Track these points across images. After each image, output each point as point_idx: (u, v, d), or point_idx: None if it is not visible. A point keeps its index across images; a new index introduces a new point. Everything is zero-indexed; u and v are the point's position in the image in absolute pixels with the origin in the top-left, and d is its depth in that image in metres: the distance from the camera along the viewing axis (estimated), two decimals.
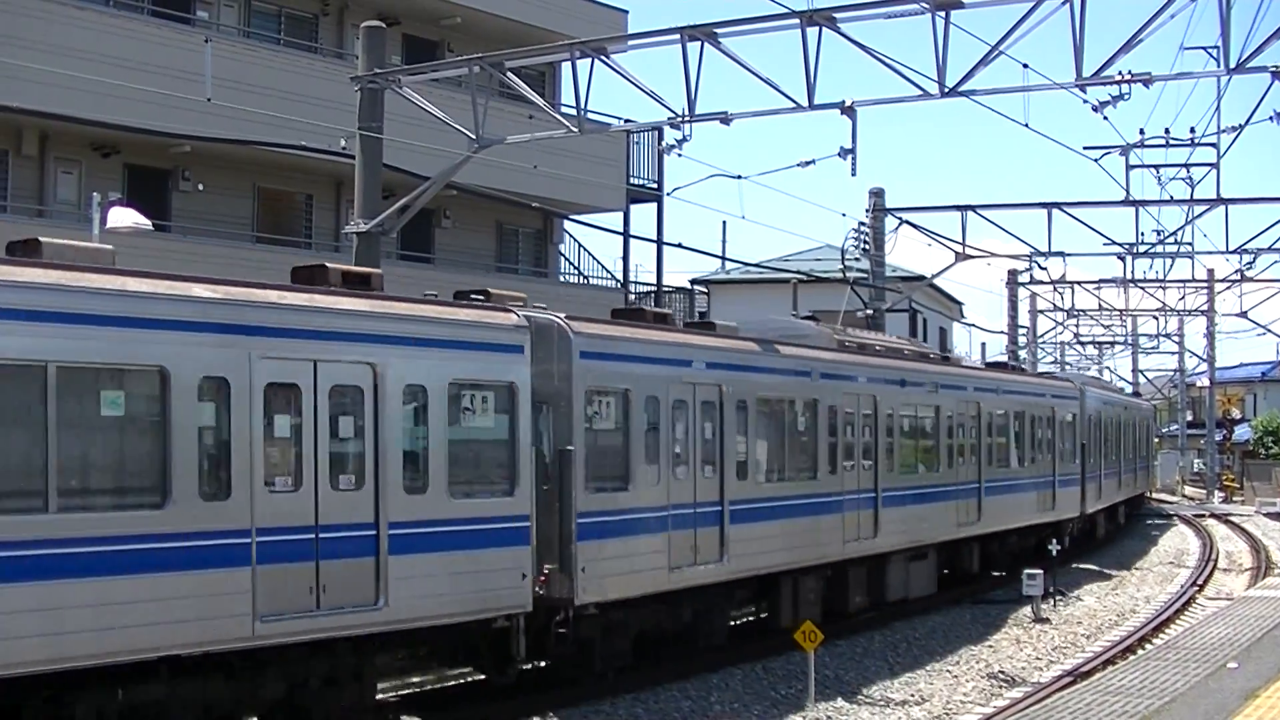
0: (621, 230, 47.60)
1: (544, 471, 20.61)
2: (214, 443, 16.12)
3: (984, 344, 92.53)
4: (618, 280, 49.70)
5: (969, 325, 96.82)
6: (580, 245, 51.00)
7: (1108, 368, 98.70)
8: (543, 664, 21.82)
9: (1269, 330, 77.04)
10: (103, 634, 14.77)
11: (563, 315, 21.45)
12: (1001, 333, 74.57)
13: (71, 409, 14.83)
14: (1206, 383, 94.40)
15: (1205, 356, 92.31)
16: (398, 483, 17.99)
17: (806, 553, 27.18)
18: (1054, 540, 37.80)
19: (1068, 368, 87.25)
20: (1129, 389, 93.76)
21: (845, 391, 28.81)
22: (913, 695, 24.11)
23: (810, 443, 27.68)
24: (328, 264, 19.10)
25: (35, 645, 14.26)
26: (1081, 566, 43.72)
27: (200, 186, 37.22)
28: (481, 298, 20.84)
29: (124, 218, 26.14)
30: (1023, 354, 74.59)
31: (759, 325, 29.27)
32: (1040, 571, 33.43)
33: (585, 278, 50.05)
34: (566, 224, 48.50)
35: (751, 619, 29.29)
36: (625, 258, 49.61)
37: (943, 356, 41.10)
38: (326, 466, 17.17)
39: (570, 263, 50.22)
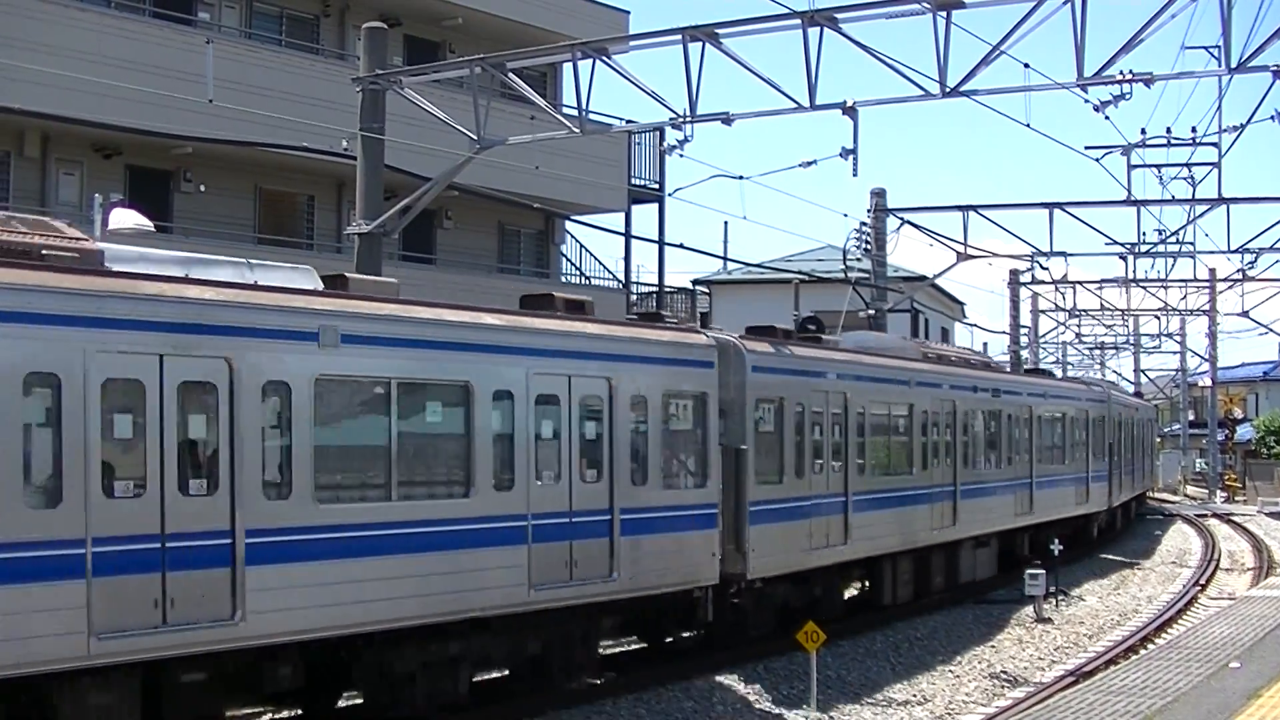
0: (623, 231, 47.66)
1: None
2: (501, 442, 19.46)
3: (985, 344, 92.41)
4: (619, 281, 49.72)
5: (971, 325, 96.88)
6: (582, 246, 51.03)
7: (1110, 368, 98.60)
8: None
9: (1271, 330, 77.01)
10: (426, 599, 18.13)
11: (736, 335, 25.54)
12: (1003, 333, 74.57)
13: (409, 418, 18.17)
14: (1208, 382, 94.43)
15: (1207, 356, 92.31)
16: (625, 476, 21.59)
17: (904, 539, 31.18)
18: (1055, 540, 37.79)
19: (1069, 368, 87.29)
20: (1130, 389, 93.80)
21: (933, 397, 32.76)
22: (915, 695, 24.11)
23: (907, 442, 31.59)
24: (554, 293, 22.66)
25: (381, 607, 17.33)
26: (1107, 557, 44.03)
27: (202, 188, 37.24)
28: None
29: (125, 219, 26.12)
30: (1024, 354, 74.57)
31: (856, 340, 33.70)
32: (1043, 571, 33.43)
33: (587, 278, 50.06)
34: (568, 224, 48.52)
35: (857, 594, 32.20)
36: (627, 258, 49.71)
37: (989, 364, 44.97)
38: (579, 461, 20.77)
39: (572, 263, 50.25)
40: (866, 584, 31.58)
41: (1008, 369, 49.70)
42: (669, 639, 25.65)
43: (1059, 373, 68.13)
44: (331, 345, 17.16)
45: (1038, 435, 40.07)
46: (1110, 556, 47.33)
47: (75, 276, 14.98)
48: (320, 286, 18.44)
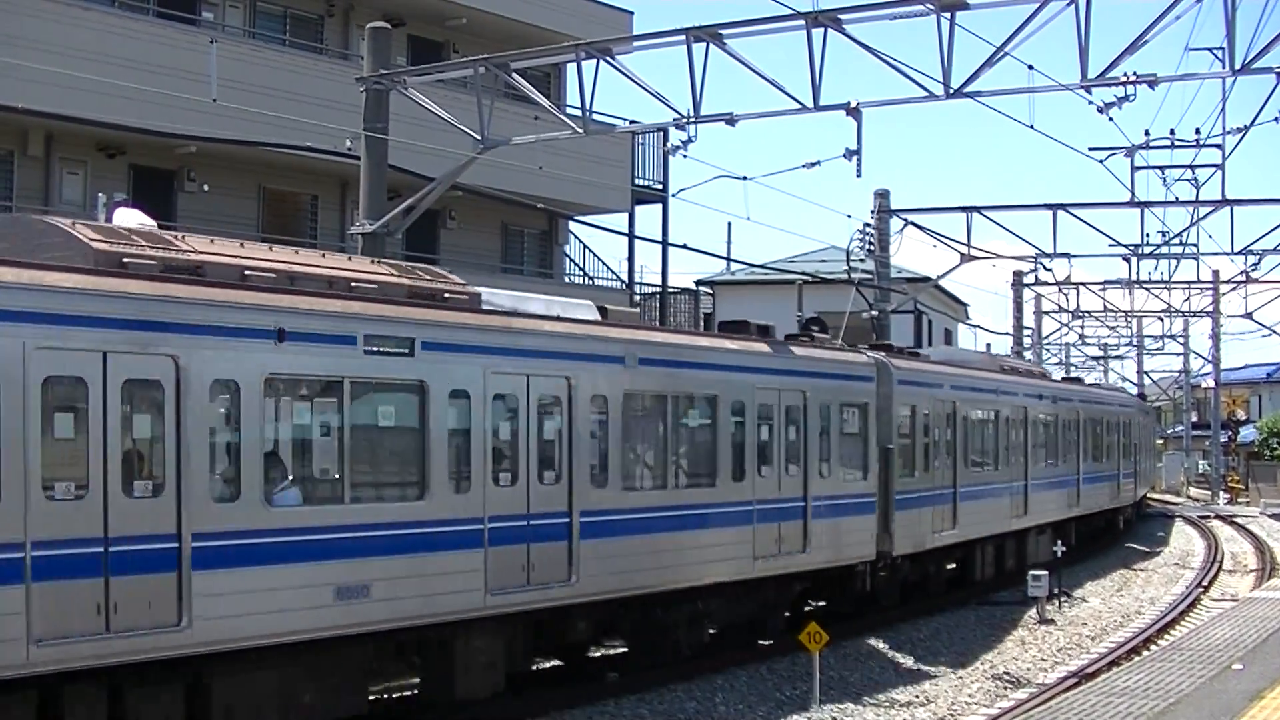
0: (627, 231, 47.63)
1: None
2: (736, 447, 24.60)
3: (989, 345, 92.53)
4: (623, 281, 49.70)
5: (974, 326, 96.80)
6: (585, 246, 50.99)
7: (1113, 370, 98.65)
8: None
9: (1274, 331, 77.09)
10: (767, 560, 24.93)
11: (884, 354, 31.17)
12: (1006, 334, 74.63)
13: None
14: (1211, 384, 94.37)
15: (1210, 358, 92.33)
16: (815, 469, 26.52)
17: (993, 526, 36.50)
18: (1059, 541, 37.82)
19: (1072, 369, 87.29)
20: (1134, 390, 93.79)
21: (1011, 404, 37.96)
22: (917, 696, 24.11)
23: (993, 441, 36.72)
24: (749, 320, 27.32)
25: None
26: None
27: (205, 187, 37.21)
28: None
29: (129, 218, 26.09)
30: (1027, 355, 74.58)
31: (943, 354, 40.29)
32: (1045, 573, 33.44)
33: (590, 279, 50.04)
34: (571, 225, 48.51)
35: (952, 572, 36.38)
36: (630, 259, 49.82)
37: (1044, 374, 50.68)
38: (783, 458, 25.79)
39: (575, 264, 50.23)
40: (955, 565, 36.44)
41: (1053, 377, 54.55)
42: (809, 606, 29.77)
43: (1056, 374, 68.06)
44: (632, 366, 22.17)
45: (1085, 438, 46.30)
46: (1135, 545, 50.03)
47: (471, 314, 19.48)
48: (597, 317, 22.76)
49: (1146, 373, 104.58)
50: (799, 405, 26.20)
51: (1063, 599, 35.61)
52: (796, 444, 26.10)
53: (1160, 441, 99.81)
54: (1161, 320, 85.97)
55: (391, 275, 19.23)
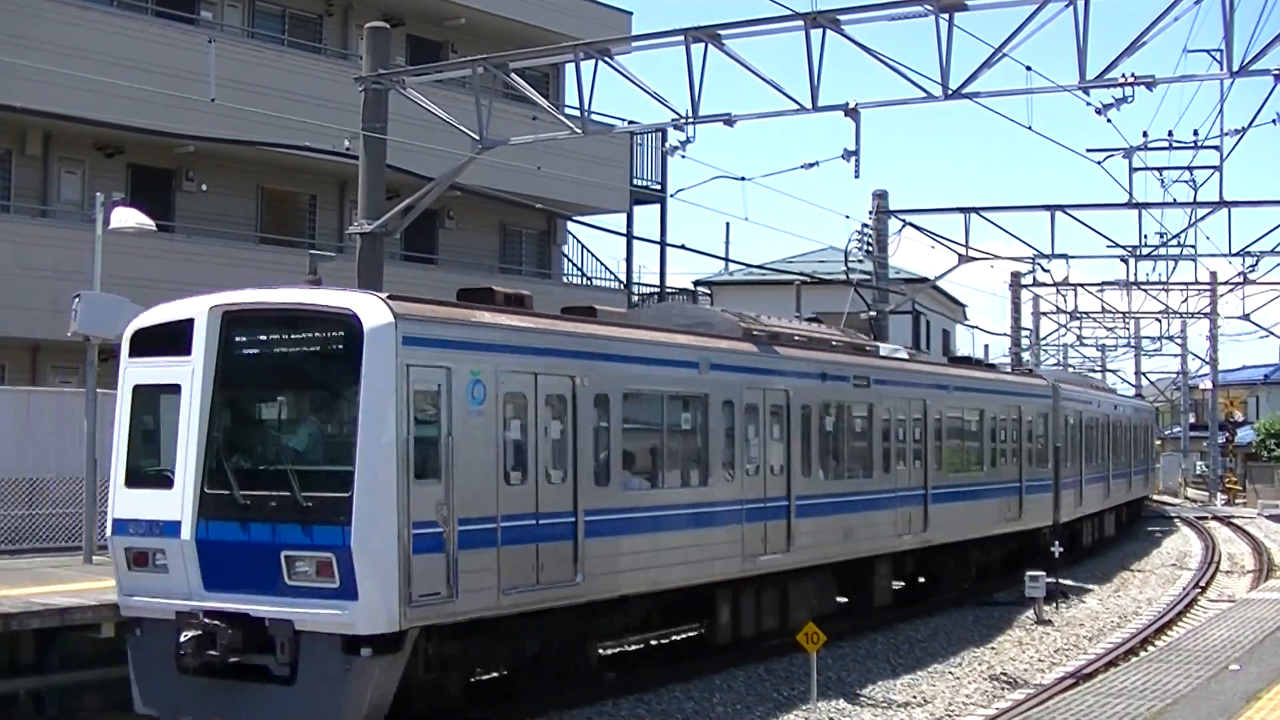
0: (625, 231, 47.68)
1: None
2: (949, 448, 34.10)
3: (986, 346, 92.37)
4: (621, 281, 49.74)
5: (972, 327, 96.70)
6: (583, 246, 51.05)
7: (1110, 370, 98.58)
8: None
9: (1272, 333, 77.07)
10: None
11: (1050, 378, 44.62)
12: (1004, 335, 74.62)
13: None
14: (1209, 385, 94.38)
15: (1208, 359, 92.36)
16: (1026, 460, 38.66)
17: (1094, 506, 48.72)
18: (1056, 541, 37.86)
19: (1070, 370, 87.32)
20: (1131, 391, 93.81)
21: (1071, 409, 44.75)
22: (915, 697, 24.12)
23: (1097, 442, 48.78)
24: (972, 355, 40.64)
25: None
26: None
27: (204, 187, 37.27)
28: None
29: (127, 218, 26.20)
30: (1025, 356, 74.58)
31: (1051, 373, 50.43)
32: (1042, 573, 33.41)
33: (588, 279, 50.09)
34: (570, 225, 48.55)
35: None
36: (628, 259, 49.80)
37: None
38: (1013, 454, 38.08)
39: (573, 264, 50.29)
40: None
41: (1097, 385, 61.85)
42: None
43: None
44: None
45: (1118, 438, 54.39)
46: (1133, 546, 49.09)
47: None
48: (905, 357, 34.03)
49: (1144, 374, 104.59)
50: (1017, 418, 38.55)
51: (1060, 600, 35.63)
52: (1018, 446, 38.35)
53: (1158, 442, 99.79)
54: (1159, 321, 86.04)
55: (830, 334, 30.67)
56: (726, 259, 67.00)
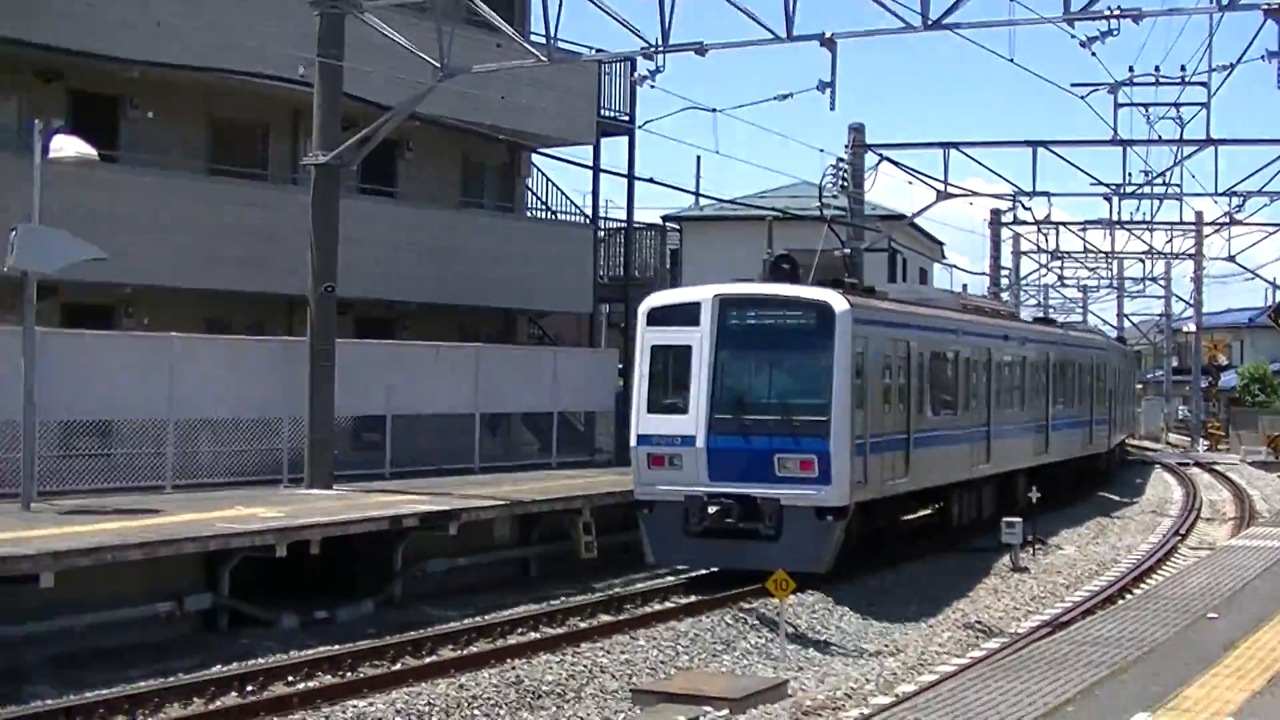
0: (591, 164, 47.54)
1: None
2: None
3: (965, 285, 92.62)
4: (586, 216, 49.67)
5: (950, 266, 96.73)
6: (548, 179, 50.92)
7: (1093, 312, 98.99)
8: None
9: (1257, 275, 77.82)
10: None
11: (1112, 337, 60.87)
12: (983, 274, 74.82)
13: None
14: (1193, 328, 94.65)
15: (1192, 301, 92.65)
16: (1099, 399, 53.68)
17: (1117, 439, 61.82)
18: (1034, 488, 38.11)
19: (1050, 311, 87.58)
20: (1113, 333, 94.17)
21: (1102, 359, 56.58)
22: (887, 645, 24.30)
23: (1106, 385, 56.96)
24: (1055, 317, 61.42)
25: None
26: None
27: (150, 114, 36.83)
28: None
29: (68, 146, 25.76)
30: (1005, 296, 74.79)
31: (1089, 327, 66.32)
32: (1019, 520, 33.59)
33: (553, 213, 50.01)
34: (534, 157, 48.41)
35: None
36: (595, 193, 49.53)
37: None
38: (1092, 395, 52.69)
39: (537, 197, 50.16)
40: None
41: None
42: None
43: (1024, 315, 68.48)
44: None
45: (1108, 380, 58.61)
46: (1111, 493, 51.34)
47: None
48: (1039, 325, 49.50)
49: (1126, 315, 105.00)
50: (1093, 364, 52.81)
51: (1037, 547, 35.85)
52: (1089, 386, 51.74)
53: (1139, 386, 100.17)
54: (1143, 262, 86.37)
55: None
56: (697, 193, 67.02)
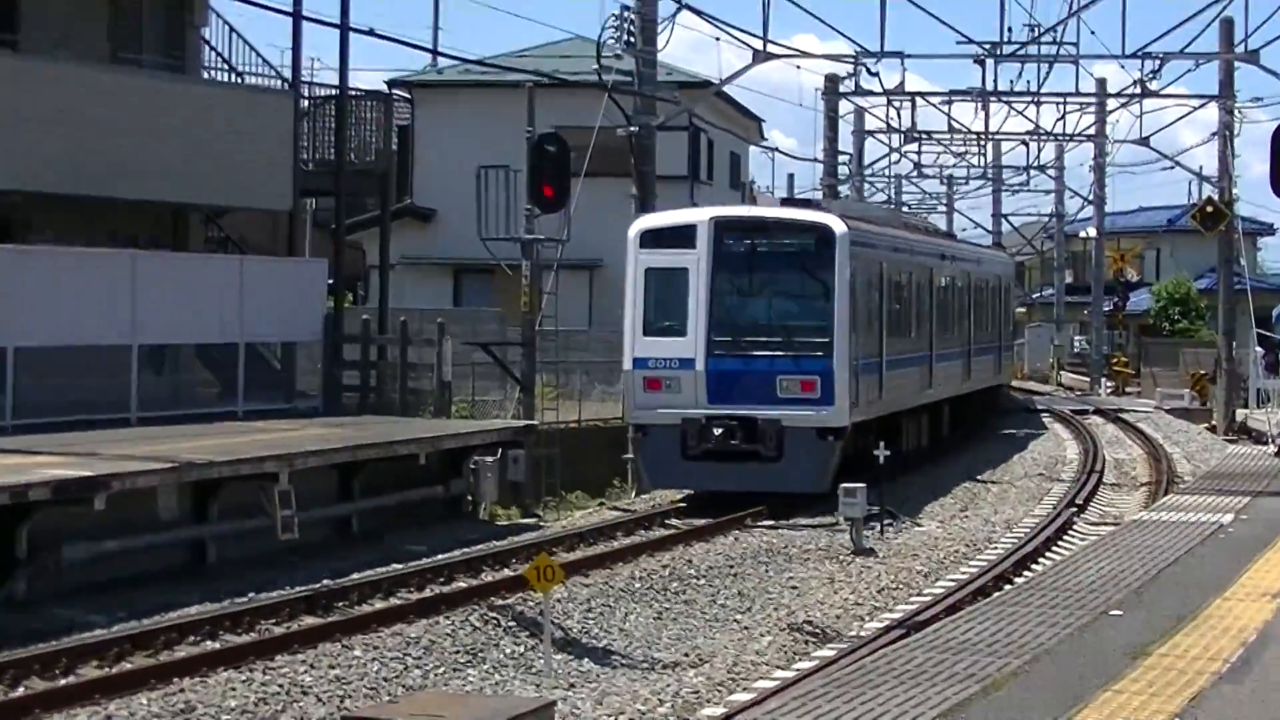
0: (291, 9, 46.85)
1: None
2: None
3: (791, 175, 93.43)
4: (285, 80, 49.06)
5: (770, 150, 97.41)
6: (232, 29, 50.14)
7: (960, 211, 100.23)
8: None
9: (1177, 163, 78.49)
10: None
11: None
12: (815, 161, 75.26)
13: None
14: (1093, 233, 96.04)
15: (1091, 197, 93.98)
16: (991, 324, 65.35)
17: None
18: (882, 444, 38.58)
19: (905, 209, 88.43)
20: (988, 239, 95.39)
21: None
22: (687, 654, 24.43)
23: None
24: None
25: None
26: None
27: None
28: None
29: None
30: (844, 190, 75.34)
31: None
32: (861, 486, 33.88)
33: (239, 74, 49.29)
34: (213, 0, 47.69)
35: None
36: (296, 49, 48.86)
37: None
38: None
39: (218, 53, 49.40)
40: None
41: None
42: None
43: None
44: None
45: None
46: (986, 450, 50.10)
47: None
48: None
49: (1005, 216, 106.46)
50: (1000, 284, 64.21)
51: (888, 522, 36.26)
52: (999, 310, 63.15)
53: (1022, 310, 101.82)
54: (1027, 146, 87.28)
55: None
56: (435, 51, 66.63)
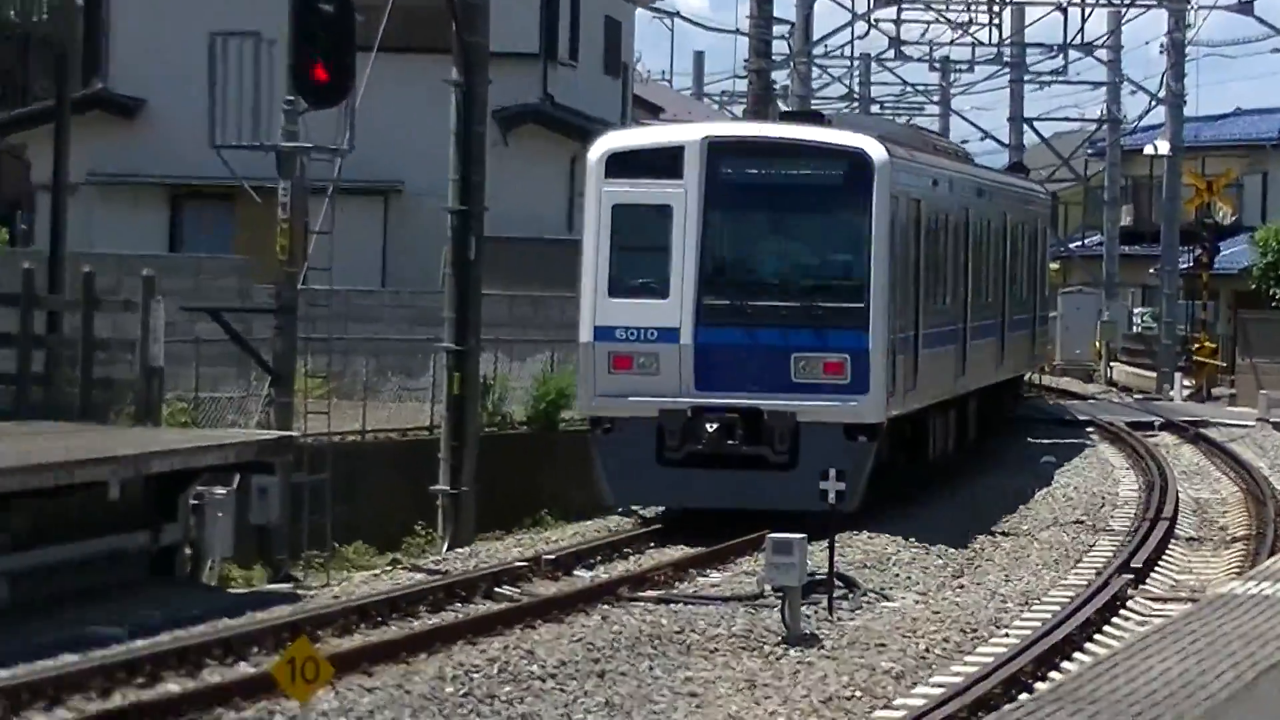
0: None
1: None
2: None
3: (699, 54, 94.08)
4: None
5: (666, 16, 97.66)
6: None
7: (955, 110, 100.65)
8: None
9: None
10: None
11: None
12: (736, 33, 75.33)
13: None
14: (1164, 147, 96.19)
15: (1164, 94, 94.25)
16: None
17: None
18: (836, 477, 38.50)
19: (879, 110, 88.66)
20: (1003, 159, 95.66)
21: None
22: None
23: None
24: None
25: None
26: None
27: None
28: None
29: None
30: (781, 78, 75.45)
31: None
32: (799, 537, 33.70)
33: None
34: None
35: None
36: None
37: None
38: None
39: None
40: None
41: None
42: None
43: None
44: None
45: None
46: (997, 480, 50.25)
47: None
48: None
49: (1029, 122, 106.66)
50: (1036, 228, 67.80)
51: (840, 593, 36.16)
52: (1033, 265, 66.66)
53: (1054, 267, 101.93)
54: (1065, 12, 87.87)
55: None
56: None
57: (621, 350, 38.24)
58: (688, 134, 39.01)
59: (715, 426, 37.38)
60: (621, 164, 38.88)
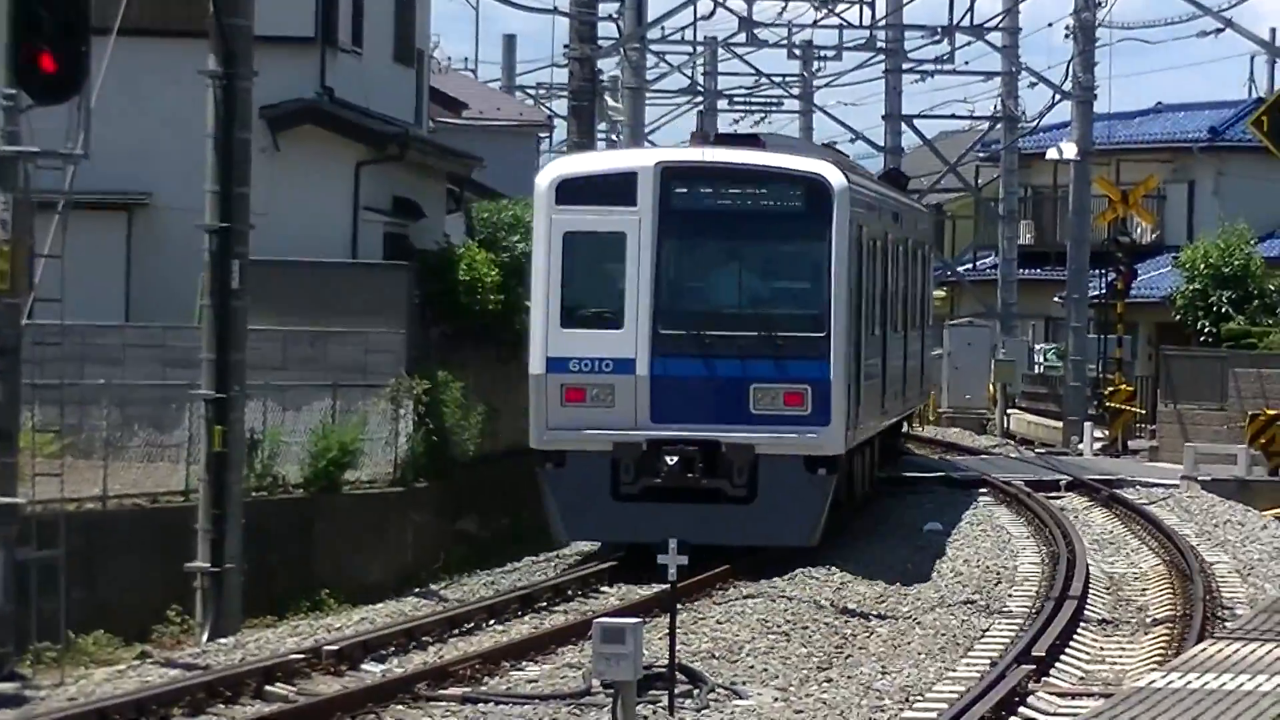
0: None
1: None
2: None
3: (510, 38, 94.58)
4: None
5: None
6: None
7: (820, 108, 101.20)
8: None
9: (1229, 23, 79.01)
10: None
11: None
12: (554, 13, 75.64)
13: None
14: (1071, 150, 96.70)
15: (1070, 86, 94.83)
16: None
17: None
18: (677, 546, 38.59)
19: (737, 107, 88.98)
20: (879, 165, 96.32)
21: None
22: None
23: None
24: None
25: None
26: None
27: None
28: None
29: None
30: (608, 67, 75.69)
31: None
32: (634, 622, 33.66)
33: None
34: None
35: None
36: None
37: None
38: None
39: None
40: None
41: None
42: None
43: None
44: None
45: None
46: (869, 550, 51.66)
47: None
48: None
49: (908, 120, 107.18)
50: (924, 250, 74.51)
51: (683, 690, 36.13)
52: (922, 289, 71.47)
53: (940, 294, 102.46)
54: None
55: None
56: None
57: (574, 382, 43.12)
58: (641, 159, 43.67)
59: (673, 460, 42.11)
60: (572, 191, 43.76)
